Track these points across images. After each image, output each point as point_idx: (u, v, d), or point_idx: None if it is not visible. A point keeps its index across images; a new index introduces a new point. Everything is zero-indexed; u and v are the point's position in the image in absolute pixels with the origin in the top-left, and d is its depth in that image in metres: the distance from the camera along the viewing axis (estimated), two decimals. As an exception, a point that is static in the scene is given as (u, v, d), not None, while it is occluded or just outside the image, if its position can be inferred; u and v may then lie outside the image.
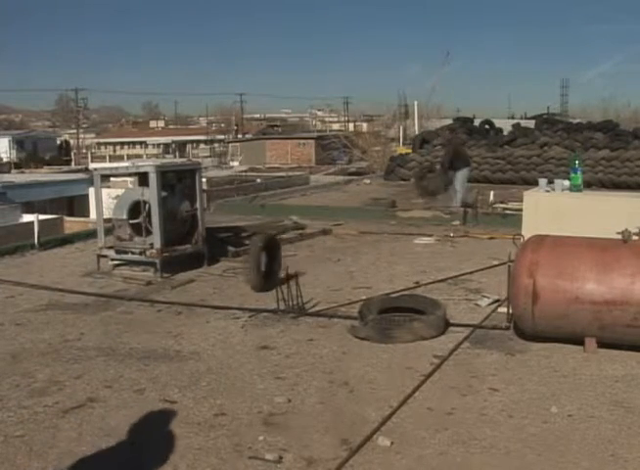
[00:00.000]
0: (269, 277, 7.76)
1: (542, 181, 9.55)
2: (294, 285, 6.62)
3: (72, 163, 52.89)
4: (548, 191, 9.08)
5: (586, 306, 5.30)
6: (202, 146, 70.35)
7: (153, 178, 8.39)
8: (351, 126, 69.29)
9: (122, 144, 79.37)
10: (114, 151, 74.80)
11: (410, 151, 25.61)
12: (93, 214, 14.28)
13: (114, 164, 24.21)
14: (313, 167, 39.90)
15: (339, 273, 8.60)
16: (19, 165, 45.99)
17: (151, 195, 8.42)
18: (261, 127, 75.45)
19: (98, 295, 7.60)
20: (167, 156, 64.45)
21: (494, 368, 5.18)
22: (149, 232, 8.53)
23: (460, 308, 6.83)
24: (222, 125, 77.80)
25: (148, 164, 9.05)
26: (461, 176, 14.03)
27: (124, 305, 7.19)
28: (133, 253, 8.68)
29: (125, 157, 59.11)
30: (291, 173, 30.36)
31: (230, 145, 58.64)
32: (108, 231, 9.13)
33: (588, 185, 12.20)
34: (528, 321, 5.57)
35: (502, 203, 14.75)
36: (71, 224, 16.84)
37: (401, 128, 36.73)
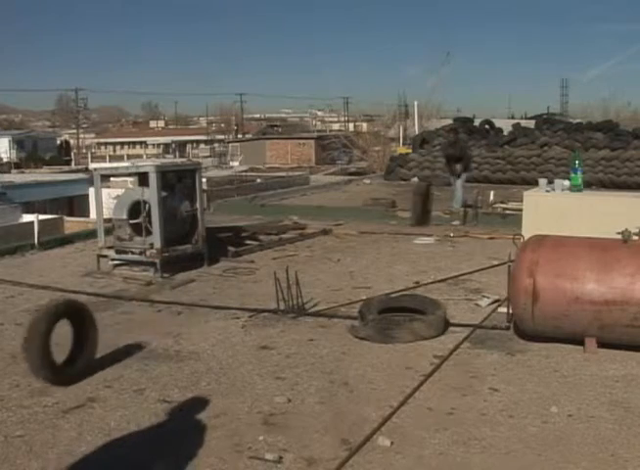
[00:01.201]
0: (74, 363, 5.09)
1: (542, 181, 9.56)
2: (294, 285, 6.63)
3: (72, 163, 52.88)
4: (548, 191, 9.09)
5: (586, 306, 5.30)
6: (202, 146, 70.33)
7: (153, 178, 8.39)
8: (351, 126, 69.23)
9: (122, 144, 79.40)
10: (114, 151, 74.82)
11: (410, 151, 25.61)
12: (93, 214, 14.29)
13: (115, 164, 24.23)
14: (313, 167, 39.90)
15: (339, 273, 8.60)
16: (19, 165, 45.96)
17: (151, 195, 8.42)
18: (261, 127, 75.40)
19: (98, 295, 7.60)
20: (167, 156, 64.46)
21: (494, 368, 5.18)
22: (149, 232, 8.53)
23: (460, 308, 6.83)
24: (222, 125, 77.79)
25: (148, 165, 9.07)
26: (459, 179, 14.05)
27: (124, 305, 7.19)
28: (133, 253, 8.68)
29: (125, 157, 59.09)
30: (291, 173, 30.35)
31: (230, 145, 58.64)
32: (108, 231, 9.13)
33: (588, 185, 12.20)
34: (528, 321, 5.57)
35: (502, 203, 14.75)
36: (71, 224, 16.81)
37: (401, 128, 36.73)
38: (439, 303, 6.36)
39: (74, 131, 77.07)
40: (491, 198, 14.95)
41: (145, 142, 76.16)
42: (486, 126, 26.19)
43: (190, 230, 9.07)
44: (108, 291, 7.82)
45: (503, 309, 6.34)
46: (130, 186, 11.84)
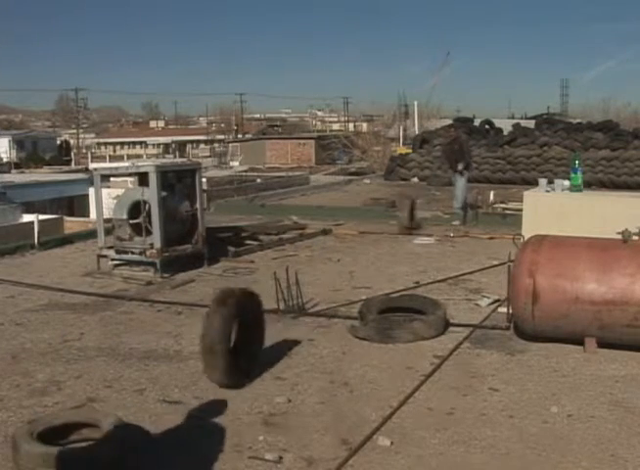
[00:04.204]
0: None
1: (542, 181, 9.57)
2: (294, 285, 6.63)
3: (72, 163, 52.85)
4: (548, 191, 9.09)
5: (586, 306, 5.30)
6: (202, 146, 70.39)
7: (153, 178, 8.39)
8: (351, 126, 69.32)
9: (122, 144, 79.44)
10: (114, 151, 74.86)
11: (410, 151, 25.63)
12: (93, 214, 14.27)
13: (115, 165, 24.22)
14: (313, 167, 39.89)
15: (339, 273, 8.60)
16: (19, 165, 45.95)
17: (151, 195, 8.42)
18: (261, 127, 75.41)
19: (98, 295, 7.60)
20: (167, 156, 64.46)
21: (494, 368, 5.18)
22: (149, 232, 8.53)
23: (460, 308, 6.83)
24: (222, 125, 77.80)
25: (148, 165, 9.05)
26: (461, 177, 13.99)
27: (124, 305, 7.19)
28: (133, 253, 8.67)
29: (125, 157, 59.09)
30: (291, 173, 30.35)
31: (230, 145, 58.64)
32: (108, 231, 9.13)
33: (588, 185, 12.22)
34: (528, 321, 5.57)
35: (502, 203, 14.75)
36: (72, 224, 16.82)
37: (401, 128, 36.74)
38: (439, 303, 6.36)
39: (74, 131, 77.09)
40: (491, 198, 14.96)
41: (145, 142, 76.17)
42: (486, 126, 26.23)
43: (190, 230, 9.07)
44: (108, 291, 7.82)
45: (503, 309, 6.35)
46: (130, 186, 11.83)
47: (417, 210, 12.38)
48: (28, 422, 3.94)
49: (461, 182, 13.82)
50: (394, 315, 6.19)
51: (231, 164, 48.05)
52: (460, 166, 13.78)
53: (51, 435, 3.72)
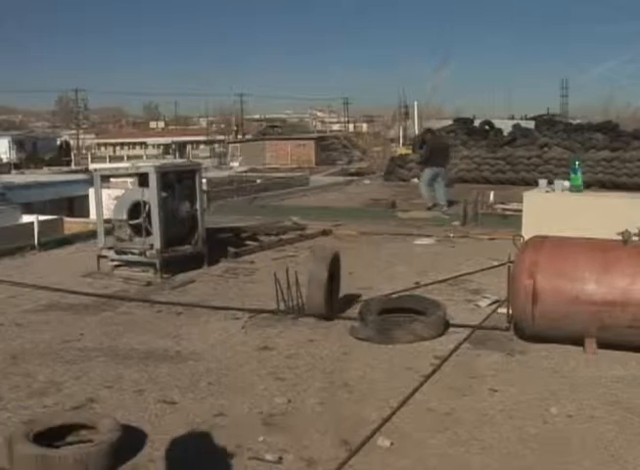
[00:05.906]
0: None
1: (542, 182, 9.58)
2: (294, 285, 6.63)
3: (72, 163, 52.79)
4: (548, 192, 9.10)
5: (586, 307, 5.30)
6: (202, 147, 70.32)
7: (153, 179, 8.39)
8: (351, 127, 69.33)
9: (122, 145, 79.36)
10: (114, 151, 74.79)
11: (410, 151, 25.61)
12: (93, 215, 14.25)
13: (114, 165, 24.19)
14: (313, 168, 39.87)
15: (339, 274, 8.58)
16: (18, 166, 45.89)
17: (151, 196, 8.42)
18: (261, 128, 75.36)
19: (98, 295, 7.60)
20: (167, 156, 64.38)
21: (494, 369, 5.18)
22: (149, 233, 8.53)
23: (460, 309, 6.82)
24: (222, 126, 77.78)
25: (148, 165, 9.04)
26: (426, 174, 14.26)
27: (124, 305, 7.19)
28: (133, 253, 8.67)
29: (125, 157, 59.01)
30: (291, 174, 30.32)
31: (230, 146, 58.60)
32: (108, 232, 9.13)
33: (588, 186, 12.21)
34: (528, 322, 5.57)
35: (502, 203, 14.74)
36: (71, 225, 16.78)
37: (401, 129, 36.72)
38: (439, 303, 6.36)
39: (74, 132, 77.05)
40: (491, 198, 14.96)
41: (145, 143, 76.09)
42: (486, 127, 26.21)
43: (190, 231, 9.07)
44: (108, 291, 7.82)
45: (503, 310, 6.34)
46: (130, 187, 11.82)
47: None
48: (25, 423, 3.95)
49: (423, 179, 14.41)
50: (394, 316, 6.19)
51: (231, 164, 48.00)
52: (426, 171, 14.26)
53: (48, 436, 3.72)
